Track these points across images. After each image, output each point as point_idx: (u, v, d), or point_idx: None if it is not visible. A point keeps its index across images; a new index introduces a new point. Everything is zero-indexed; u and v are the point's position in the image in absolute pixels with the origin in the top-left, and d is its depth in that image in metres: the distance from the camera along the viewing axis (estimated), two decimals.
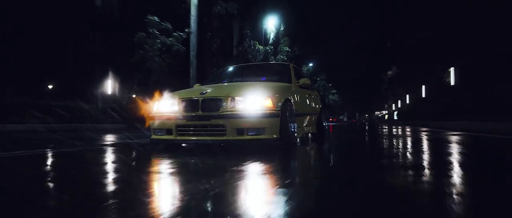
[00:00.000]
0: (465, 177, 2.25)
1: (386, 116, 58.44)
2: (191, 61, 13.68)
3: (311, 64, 39.35)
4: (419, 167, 2.67)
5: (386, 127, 15.97)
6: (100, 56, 13.35)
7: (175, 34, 13.76)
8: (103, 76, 13.38)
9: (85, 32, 14.99)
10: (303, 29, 32.65)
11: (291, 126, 3.92)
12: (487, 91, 13.56)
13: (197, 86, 4.94)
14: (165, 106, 3.81)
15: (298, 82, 4.81)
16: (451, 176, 2.20)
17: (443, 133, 8.56)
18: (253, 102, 3.47)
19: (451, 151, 3.90)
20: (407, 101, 41.72)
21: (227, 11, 18.33)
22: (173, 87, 7.37)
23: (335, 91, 56.89)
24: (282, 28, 27.35)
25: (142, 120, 4.66)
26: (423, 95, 30.89)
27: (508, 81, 12.35)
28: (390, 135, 8.04)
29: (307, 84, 4.89)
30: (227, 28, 20.24)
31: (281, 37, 26.93)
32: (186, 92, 4.10)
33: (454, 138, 6.17)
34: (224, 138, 3.44)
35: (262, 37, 24.45)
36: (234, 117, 3.42)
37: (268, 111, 3.46)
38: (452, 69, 18.76)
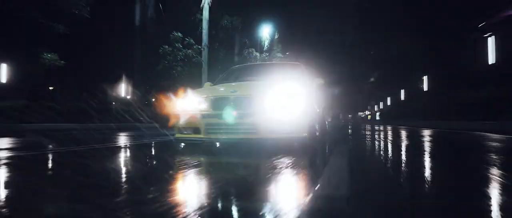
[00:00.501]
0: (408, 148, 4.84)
1: (369, 116, 61.93)
2: (203, 68, 16.44)
3: None
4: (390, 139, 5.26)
5: (370, 126, 18.84)
6: (136, 66, 15.56)
7: (195, 47, 16.20)
8: (137, 84, 15.60)
9: (126, 48, 17.44)
10: (294, 33, 35.47)
11: (315, 124, 4.12)
12: (451, 97, 16.57)
13: (208, 85, 4.88)
14: (191, 105, 3.73)
15: (313, 82, 4.80)
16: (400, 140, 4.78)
17: (417, 129, 11.36)
18: (285, 100, 3.51)
19: (412, 135, 6.53)
20: (388, 103, 44.97)
21: (232, 25, 20.89)
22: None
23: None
24: (276, 36, 30.16)
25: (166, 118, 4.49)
26: (402, 98, 34.18)
27: (468, 90, 15.29)
28: (374, 130, 10.73)
29: (321, 83, 4.89)
30: (230, 39, 22.75)
31: (275, 44, 29.72)
32: (213, 90, 4.00)
33: (425, 131, 8.88)
34: (256, 136, 3.41)
35: (258, 44, 27.13)
36: (266, 115, 3.42)
37: (298, 109, 3.53)
38: (425, 77, 21.96)
